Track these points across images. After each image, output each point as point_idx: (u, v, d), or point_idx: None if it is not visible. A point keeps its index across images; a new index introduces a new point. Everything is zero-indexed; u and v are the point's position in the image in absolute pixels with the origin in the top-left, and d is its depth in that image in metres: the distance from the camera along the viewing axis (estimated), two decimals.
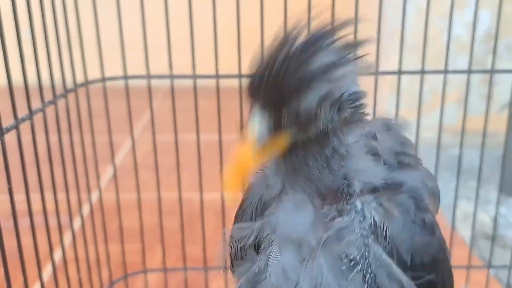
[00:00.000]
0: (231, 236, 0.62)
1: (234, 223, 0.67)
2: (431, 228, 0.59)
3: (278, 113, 0.50)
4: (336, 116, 0.53)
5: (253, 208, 0.63)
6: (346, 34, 0.52)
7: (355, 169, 0.56)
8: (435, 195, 0.62)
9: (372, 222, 0.56)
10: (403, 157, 0.60)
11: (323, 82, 0.50)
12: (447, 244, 0.65)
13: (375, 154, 0.58)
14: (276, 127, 0.51)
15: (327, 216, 0.57)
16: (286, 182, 0.58)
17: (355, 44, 0.53)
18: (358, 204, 0.57)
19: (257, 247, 0.60)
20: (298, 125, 0.51)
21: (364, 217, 0.56)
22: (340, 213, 0.57)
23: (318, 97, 0.51)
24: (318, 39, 0.50)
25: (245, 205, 0.66)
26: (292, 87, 0.49)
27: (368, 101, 0.63)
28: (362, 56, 0.54)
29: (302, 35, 0.51)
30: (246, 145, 0.51)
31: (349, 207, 0.57)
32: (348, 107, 0.55)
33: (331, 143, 0.55)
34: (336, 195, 0.57)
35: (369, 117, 0.61)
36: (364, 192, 0.57)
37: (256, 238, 0.59)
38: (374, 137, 0.60)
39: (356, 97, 0.57)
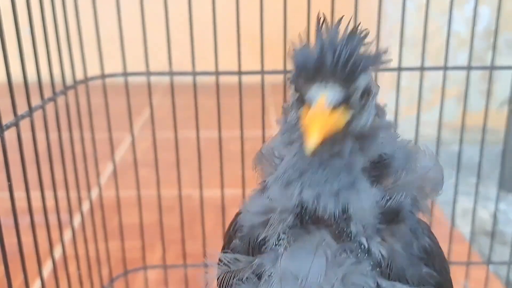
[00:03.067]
0: (225, 264, 0.61)
1: (225, 245, 0.66)
2: (433, 254, 0.60)
3: (346, 88, 0.51)
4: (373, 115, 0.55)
5: (250, 241, 0.61)
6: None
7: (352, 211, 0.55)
8: (437, 185, 0.60)
9: (380, 258, 0.56)
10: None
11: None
12: (448, 242, 0.65)
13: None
14: (343, 100, 0.51)
15: (336, 255, 0.55)
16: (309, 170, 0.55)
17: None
18: (364, 241, 0.56)
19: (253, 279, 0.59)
20: (360, 104, 0.53)
21: (370, 254, 0.56)
22: (347, 252, 0.55)
23: (370, 85, 0.54)
24: (355, 36, 0.52)
25: (241, 232, 0.63)
26: (362, 65, 0.51)
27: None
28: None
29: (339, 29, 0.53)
30: (319, 108, 0.50)
31: (355, 244, 0.56)
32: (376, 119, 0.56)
33: (371, 149, 0.55)
34: (336, 233, 0.56)
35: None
36: (366, 229, 0.56)
37: (253, 272, 0.58)
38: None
39: (382, 111, 0.58)
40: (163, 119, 1.52)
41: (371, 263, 0.55)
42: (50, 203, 0.97)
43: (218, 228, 1.29)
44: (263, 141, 1.21)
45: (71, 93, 1.11)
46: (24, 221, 0.85)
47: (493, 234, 1.33)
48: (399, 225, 0.56)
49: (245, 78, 1.16)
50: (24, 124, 0.87)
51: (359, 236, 0.55)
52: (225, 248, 0.66)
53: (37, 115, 0.93)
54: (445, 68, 1.21)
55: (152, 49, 1.21)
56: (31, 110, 0.90)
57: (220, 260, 0.62)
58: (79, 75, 1.15)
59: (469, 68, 1.21)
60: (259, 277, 0.58)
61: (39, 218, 0.91)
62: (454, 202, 1.29)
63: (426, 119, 1.44)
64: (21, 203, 0.83)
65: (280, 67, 1.14)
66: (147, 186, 1.40)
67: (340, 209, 0.55)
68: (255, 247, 0.60)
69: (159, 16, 1.19)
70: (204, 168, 1.23)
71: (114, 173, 1.29)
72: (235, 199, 1.18)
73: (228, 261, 0.61)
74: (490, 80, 1.22)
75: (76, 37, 1.12)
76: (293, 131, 0.56)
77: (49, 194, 0.97)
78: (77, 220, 1.22)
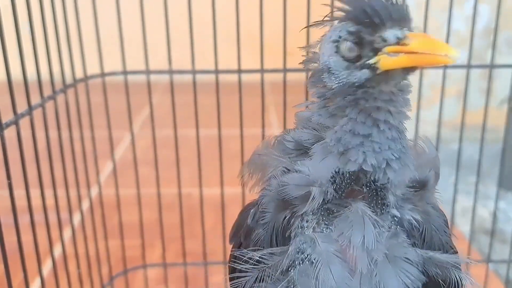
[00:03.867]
0: (258, 261, 0.59)
1: (245, 238, 0.64)
2: (448, 226, 0.64)
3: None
4: None
5: (275, 226, 0.60)
6: None
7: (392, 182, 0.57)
8: (438, 173, 0.64)
9: (414, 224, 0.58)
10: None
11: None
12: None
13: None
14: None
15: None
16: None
17: None
18: (396, 212, 0.58)
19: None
20: None
21: (403, 225, 0.58)
22: (383, 224, 0.57)
23: None
24: None
25: (263, 219, 0.61)
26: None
27: None
28: None
29: None
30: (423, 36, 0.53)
31: (388, 216, 0.58)
32: None
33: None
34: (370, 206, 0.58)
35: None
36: (397, 200, 0.58)
37: (290, 262, 0.58)
38: None
39: None
40: (163, 117, 1.52)
41: (405, 234, 0.58)
42: (50, 201, 0.97)
43: (218, 226, 1.29)
44: (263, 139, 1.21)
45: (70, 92, 1.10)
46: (24, 219, 0.85)
47: (492, 233, 1.33)
48: (426, 192, 0.60)
49: (245, 77, 1.16)
50: (24, 123, 0.87)
51: (391, 207, 0.57)
52: (245, 242, 0.64)
53: (37, 113, 0.93)
54: (445, 66, 1.20)
55: (151, 48, 1.21)
56: (30, 108, 0.90)
57: (250, 258, 0.60)
58: (79, 74, 1.15)
59: (469, 66, 1.21)
60: (287, 270, 0.57)
61: (39, 216, 0.91)
62: (454, 200, 1.29)
63: (426, 117, 1.44)
64: (21, 201, 0.83)
65: (279, 65, 1.14)
66: (147, 185, 1.40)
67: (397, 178, 0.57)
68: (279, 233, 0.60)
69: (159, 14, 1.19)
70: (203, 166, 1.23)
71: (114, 171, 1.29)
72: (234, 197, 1.18)
73: (263, 258, 0.59)
74: (490, 78, 1.22)
75: (75, 36, 1.11)
76: (346, 92, 0.57)
77: (49, 192, 0.97)
78: (77, 218, 1.22)
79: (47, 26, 0.98)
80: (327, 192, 0.57)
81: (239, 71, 1.16)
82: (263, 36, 1.12)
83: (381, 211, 0.57)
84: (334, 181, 0.57)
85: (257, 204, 0.64)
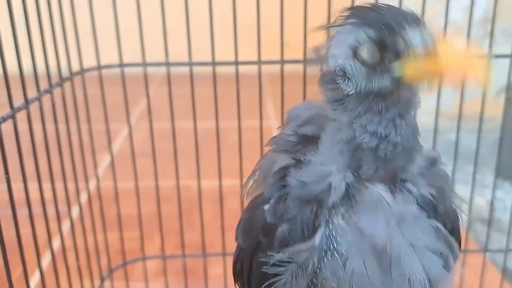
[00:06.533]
0: (287, 261, 0.57)
1: (265, 238, 0.61)
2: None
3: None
4: None
5: (303, 219, 0.58)
6: None
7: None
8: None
9: (430, 199, 0.59)
10: None
11: None
12: None
13: None
14: None
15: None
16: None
17: None
18: (414, 189, 0.58)
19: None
20: None
21: (418, 201, 0.58)
22: (399, 197, 0.57)
23: None
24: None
25: (288, 214, 0.59)
26: None
27: None
28: None
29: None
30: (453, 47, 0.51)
31: (404, 190, 0.58)
32: None
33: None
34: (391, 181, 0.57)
35: None
36: (413, 177, 0.58)
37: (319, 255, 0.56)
38: None
39: None
40: (160, 109, 1.51)
41: (420, 208, 0.58)
42: (48, 194, 0.97)
43: (216, 218, 1.29)
44: (261, 131, 1.21)
45: (67, 85, 1.10)
46: (22, 213, 0.85)
47: (490, 222, 1.34)
48: (437, 168, 0.61)
49: (242, 68, 1.15)
50: (21, 116, 0.87)
51: (408, 184, 0.58)
52: (266, 240, 0.61)
53: (34, 106, 0.93)
54: None
55: (148, 40, 1.21)
56: (27, 102, 0.90)
57: (280, 261, 0.57)
58: (75, 67, 1.14)
59: None
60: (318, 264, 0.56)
61: (37, 209, 0.91)
62: None
63: (423, 107, 1.44)
64: (19, 195, 0.83)
65: (277, 56, 1.14)
66: (145, 177, 1.40)
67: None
68: (310, 225, 0.57)
69: (155, 6, 1.19)
70: (201, 158, 1.23)
71: (112, 164, 1.29)
72: (233, 189, 1.18)
73: (290, 257, 0.57)
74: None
75: (71, 28, 1.11)
76: (363, 98, 0.55)
77: (47, 185, 0.97)
78: (75, 211, 1.22)
79: (42, 18, 0.97)
80: (345, 176, 0.56)
81: (236, 62, 1.15)
82: (260, 28, 1.11)
83: (400, 188, 0.57)
84: (351, 165, 0.57)
85: (267, 200, 0.61)
